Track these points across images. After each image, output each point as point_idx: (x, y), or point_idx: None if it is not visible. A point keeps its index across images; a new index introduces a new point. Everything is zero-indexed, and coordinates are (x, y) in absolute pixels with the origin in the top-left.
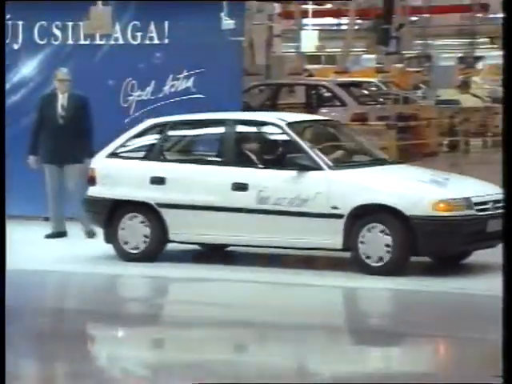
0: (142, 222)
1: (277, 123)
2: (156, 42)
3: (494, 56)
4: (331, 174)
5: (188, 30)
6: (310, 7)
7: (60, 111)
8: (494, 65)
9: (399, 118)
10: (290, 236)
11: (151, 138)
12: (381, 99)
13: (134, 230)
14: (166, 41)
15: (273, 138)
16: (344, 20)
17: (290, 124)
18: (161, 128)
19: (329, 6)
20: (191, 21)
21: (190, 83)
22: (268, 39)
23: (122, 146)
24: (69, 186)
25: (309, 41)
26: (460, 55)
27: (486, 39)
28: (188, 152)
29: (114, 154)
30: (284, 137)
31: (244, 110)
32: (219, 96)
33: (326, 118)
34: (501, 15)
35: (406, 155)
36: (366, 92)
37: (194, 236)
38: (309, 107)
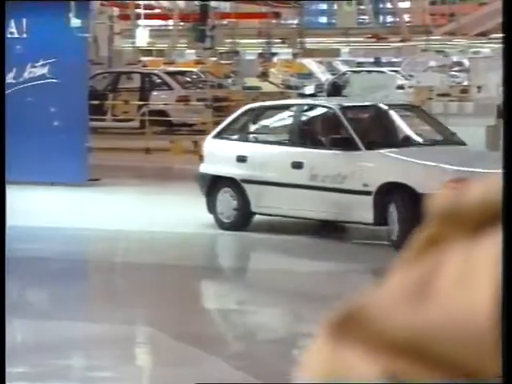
0: (232, 196)
1: (332, 107)
2: (16, 35)
3: (284, 53)
4: (365, 155)
5: (43, 27)
6: (143, 11)
7: None
8: (285, 59)
9: (215, 100)
10: (333, 210)
11: (243, 121)
12: (200, 85)
13: (226, 203)
14: (25, 35)
15: (327, 120)
16: (170, 22)
17: (343, 108)
18: (251, 112)
19: (158, 10)
20: (45, 19)
21: (45, 70)
22: (109, 36)
23: (225, 127)
24: None
25: (142, 38)
26: (260, 51)
27: (278, 40)
28: (265, 133)
29: (217, 135)
30: (336, 120)
31: (90, 94)
32: (70, 81)
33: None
34: (290, 21)
35: None
36: (188, 79)
37: (268, 209)
38: (143, 91)
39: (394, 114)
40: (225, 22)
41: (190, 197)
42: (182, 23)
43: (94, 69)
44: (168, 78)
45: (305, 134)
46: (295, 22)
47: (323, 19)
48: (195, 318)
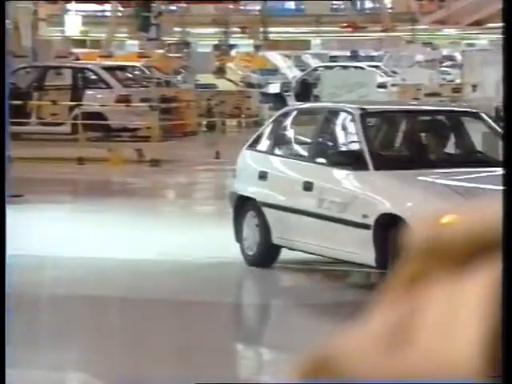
0: (255, 222)
1: (350, 111)
2: None
3: (244, 44)
4: (372, 176)
5: None
6: None
7: None
8: (245, 52)
9: (161, 100)
10: (334, 247)
11: (276, 126)
12: (144, 82)
13: (250, 230)
14: None
15: (345, 128)
16: (107, 7)
17: (364, 113)
18: (286, 116)
19: None
20: None
21: None
22: (33, 22)
23: (260, 135)
24: None
25: (73, 25)
26: (215, 43)
27: (237, 29)
28: (289, 144)
29: (250, 146)
30: (352, 128)
31: (11, 92)
32: None
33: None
34: (251, 7)
35: (168, 134)
36: (130, 75)
37: (286, 241)
38: (75, 89)
39: (436, 122)
40: (173, 7)
41: (133, 216)
42: (121, 9)
43: (16, 62)
44: (105, 74)
45: (319, 147)
46: (257, 8)
47: (290, 5)
48: (136, 359)
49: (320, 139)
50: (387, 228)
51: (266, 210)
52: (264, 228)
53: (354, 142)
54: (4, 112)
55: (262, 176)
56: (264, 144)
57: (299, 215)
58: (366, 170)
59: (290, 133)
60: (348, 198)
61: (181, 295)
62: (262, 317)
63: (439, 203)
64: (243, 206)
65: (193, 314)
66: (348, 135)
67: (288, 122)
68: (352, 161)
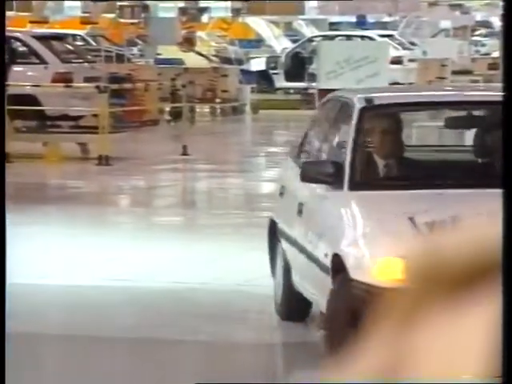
0: (280, 254)
1: (349, 102)
2: None
3: (219, 8)
4: (343, 199)
5: None
6: None
7: None
8: (221, 18)
9: (112, 80)
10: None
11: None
12: (89, 56)
13: (278, 266)
14: None
15: (340, 127)
16: None
17: (369, 107)
18: (328, 107)
19: None
20: None
21: None
22: None
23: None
24: None
25: None
26: (181, 6)
27: None
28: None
29: (296, 151)
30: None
31: None
32: None
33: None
34: None
35: (121, 124)
36: (70, 47)
37: (300, 286)
38: None
39: (480, 120)
40: None
41: (76, 230)
42: None
43: None
44: (38, 46)
45: (313, 153)
46: None
47: None
48: None
49: (317, 142)
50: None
51: (282, 239)
52: (285, 264)
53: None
54: (4, 111)
55: (281, 193)
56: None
57: (295, 249)
58: (341, 189)
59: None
60: (319, 228)
61: (134, 331)
62: (238, 357)
63: (383, 244)
64: (275, 231)
65: (150, 354)
66: (342, 137)
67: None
68: (329, 176)
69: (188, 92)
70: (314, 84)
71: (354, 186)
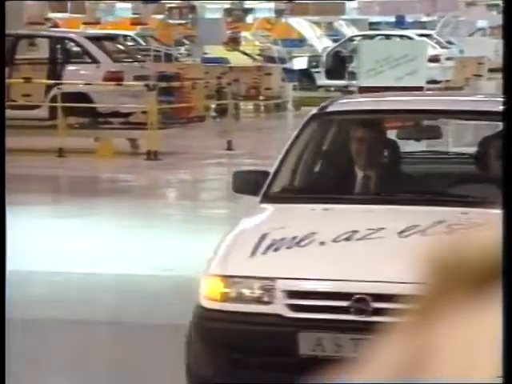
0: None
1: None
2: None
3: (264, 8)
4: (252, 212)
5: None
6: None
7: None
8: (265, 19)
9: (161, 78)
10: None
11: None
12: (139, 56)
13: None
14: None
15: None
16: None
17: (318, 114)
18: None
19: None
20: None
21: None
22: None
23: None
24: None
25: None
26: (227, 7)
27: None
28: None
29: None
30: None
31: None
32: None
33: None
34: None
35: (169, 120)
36: (121, 47)
37: None
38: (53, 64)
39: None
40: None
41: (126, 222)
42: None
43: None
44: (91, 46)
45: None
46: None
47: None
48: None
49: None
50: None
51: None
52: None
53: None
54: (4, 110)
55: None
56: None
57: None
58: (259, 201)
59: None
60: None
61: (184, 319)
62: None
63: (213, 264)
64: None
65: None
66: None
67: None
68: (256, 187)
69: (233, 90)
70: (354, 82)
71: (266, 198)
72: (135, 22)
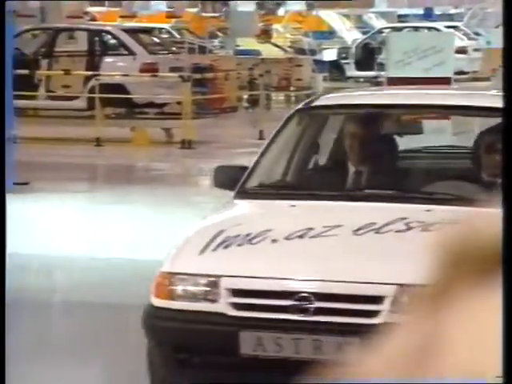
0: None
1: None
2: None
3: (295, 2)
4: (224, 208)
5: None
6: None
7: None
8: (297, 12)
9: (194, 70)
10: None
11: None
12: (173, 48)
13: None
14: None
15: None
16: None
17: (304, 109)
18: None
19: None
20: None
21: None
22: None
23: None
24: None
25: None
26: (259, 0)
27: None
28: None
29: None
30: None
31: (16, 60)
32: None
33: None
34: None
35: (203, 110)
36: (156, 40)
37: None
38: (91, 56)
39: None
40: None
41: (161, 209)
42: None
43: (21, 23)
44: (127, 38)
45: None
46: None
47: None
48: None
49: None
50: None
51: None
52: None
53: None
54: (4, 110)
55: None
56: None
57: None
58: (234, 197)
59: None
60: None
61: None
62: None
63: (166, 261)
64: None
65: None
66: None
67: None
68: (234, 182)
69: (264, 81)
70: (383, 73)
71: (240, 194)
72: (170, 15)
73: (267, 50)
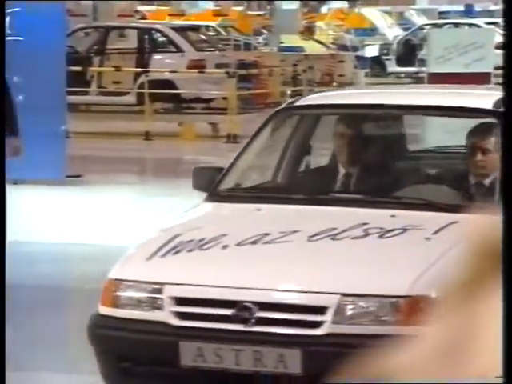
0: None
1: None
2: None
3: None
4: (193, 212)
5: None
6: None
7: None
8: (339, 9)
9: (240, 66)
10: None
11: None
12: (220, 45)
13: None
14: None
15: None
16: None
17: (283, 109)
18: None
19: None
20: None
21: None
22: None
23: None
24: None
25: None
26: None
27: None
28: None
29: None
30: None
31: (69, 57)
32: (40, 39)
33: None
34: None
35: (248, 106)
36: (203, 37)
37: None
38: (141, 53)
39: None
40: None
41: None
42: None
43: (74, 22)
44: (176, 36)
45: None
46: None
47: None
48: None
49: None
50: None
51: None
52: None
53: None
54: (4, 110)
55: None
56: None
57: None
58: (205, 200)
59: None
60: None
61: None
62: None
63: (116, 266)
64: None
65: None
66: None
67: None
68: (210, 184)
69: (308, 76)
70: (423, 68)
71: (211, 196)
72: (217, 14)
73: (310, 47)
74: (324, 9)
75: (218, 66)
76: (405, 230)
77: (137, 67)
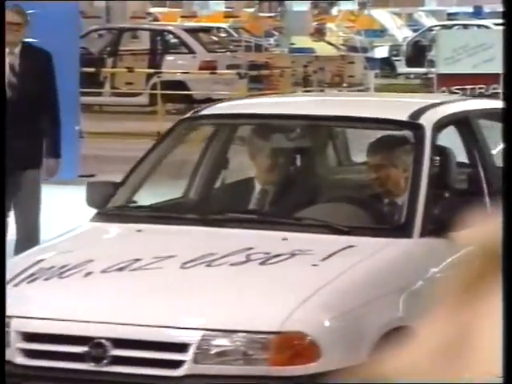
0: None
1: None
2: None
3: (348, 1)
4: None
5: None
6: None
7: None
8: (349, 11)
9: (251, 67)
10: None
11: None
12: (231, 46)
13: None
14: None
15: None
16: None
17: (190, 118)
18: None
19: None
20: None
21: None
22: None
23: None
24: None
25: None
26: (313, 0)
27: None
28: None
29: None
30: None
31: (82, 58)
32: (53, 40)
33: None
34: None
35: None
36: (215, 38)
37: None
38: (154, 54)
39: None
40: None
41: None
42: None
43: (87, 24)
44: (187, 38)
45: None
46: None
47: None
48: None
49: None
50: None
51: None
52: None
53: None
54: (4, 112)
55: None
56: None
57: None
58: (91, 219)
59: None
60: None
61: None
62: None
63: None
64: None
65: None
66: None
67: None
68: (105, 201)
69: (318, 77)
70: (433, 69)
71: (98, 215)
72: (228, 15)
73: (321, 48)
74: (334, 11)
75: (229, 67)
76: (292, 255)
77: (149, 68)
